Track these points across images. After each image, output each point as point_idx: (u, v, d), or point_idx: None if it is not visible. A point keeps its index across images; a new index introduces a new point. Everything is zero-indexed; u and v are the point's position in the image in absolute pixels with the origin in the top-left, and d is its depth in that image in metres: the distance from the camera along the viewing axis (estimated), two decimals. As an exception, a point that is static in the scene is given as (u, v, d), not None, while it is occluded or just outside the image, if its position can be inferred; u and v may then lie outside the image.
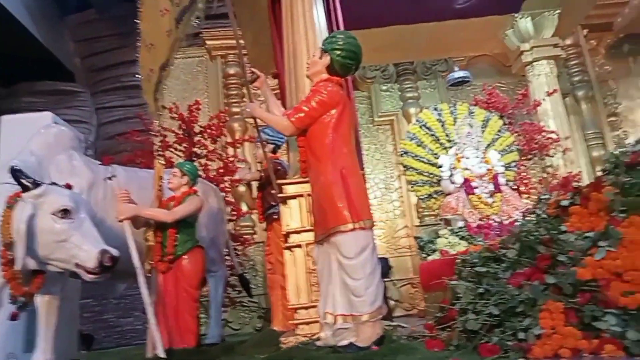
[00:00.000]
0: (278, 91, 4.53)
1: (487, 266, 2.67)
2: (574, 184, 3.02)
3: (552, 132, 5.94)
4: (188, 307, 3.29)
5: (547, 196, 3.26)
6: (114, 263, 2.55)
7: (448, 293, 2.84)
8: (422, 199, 5.42)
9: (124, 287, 6.64)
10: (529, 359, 1.96)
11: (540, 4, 6.15)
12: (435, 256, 4.26)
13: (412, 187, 5.41)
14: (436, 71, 8.39)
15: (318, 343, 2.61)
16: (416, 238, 4.99)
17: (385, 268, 7.82)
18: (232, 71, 8.14)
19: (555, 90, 6.21)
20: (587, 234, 2.45)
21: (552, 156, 5.99)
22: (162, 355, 2.93)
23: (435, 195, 5.30)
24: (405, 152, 5.40)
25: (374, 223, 2.68)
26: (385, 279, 7.54)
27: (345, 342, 2.43)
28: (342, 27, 4.36)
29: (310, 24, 3.88)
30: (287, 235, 3.28)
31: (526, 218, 3.29)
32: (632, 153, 2.73)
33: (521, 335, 2.09)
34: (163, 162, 3.98)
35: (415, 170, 5.32)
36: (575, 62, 8.48)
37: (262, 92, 3.12)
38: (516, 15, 6.39)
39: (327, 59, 2.82)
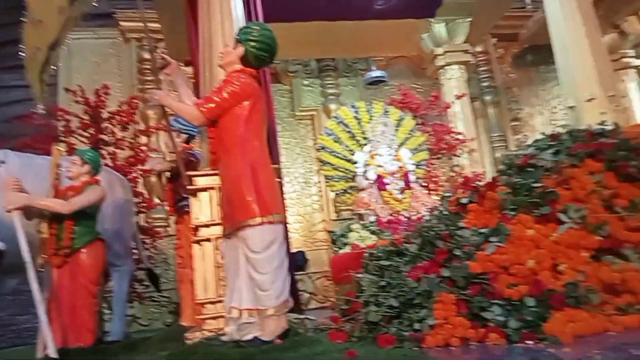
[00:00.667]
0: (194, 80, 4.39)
1: (391, 260, 2.77)
2: (475, 183, 3.22)
3: (460, 133, 6.30)
4: (86, 303, 3.10)
5: (449, 194, 3.44)
6: (0, 257, 2.34)
7: (353, 286, 2.91)
8: (337, 194, 5.51)
9: (17, 282, 6.13)
10: (422, 348, 2.06)
11: (454, 11, 6.48)
12: (347, 250, 4.36)
13: (328, 182, 5.48)
14: (356, 69, 8.56)
15: (223, 338, 2.57)
16: (329, 232, 5.07)
17: (302, 261, 7.90)
18: (147, 55, 7.75)
19: (464, 94, 6.58)
20: (481, 230, 2.62)
21: (459, 156, 6.35)
22: (53, 355, 2.73)
23: (350, 191, 5.40)
24: (323, 148, 5.45)
25: (285, 217, 2.68)
26: (302, 272, 7.64)
27: (249, 337, 2.41)
28: (261, 19, 4.31)
29: (227, 13, 3.79)
30: (196, 228, 3.20)
31: (430, 214, 3.46)
32: (523, 156, 2.95)
33: (417, 325, 2.19)
34: (62, 149, 3.69)
35: (331, 165, 5.39)
36: (485, 68, 9.03)
37: (174, 79, 2.99)
38: (431, 20, 6.68)
39: (240, 50, 2.76)
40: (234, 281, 2.54)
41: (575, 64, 4.02)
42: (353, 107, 5.71)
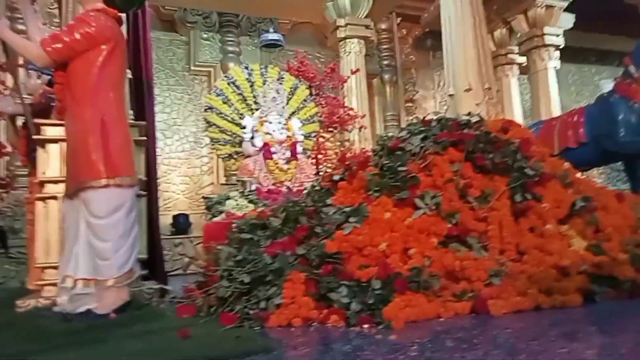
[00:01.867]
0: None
1: (253, 233, 2.68)
2: (349, 161, 3.19)
3: (351, 109, 6.35)
4: None
5: (323, 169, 3.41)
6: None
7: (213, 257, 2.78)
8: (222, 158, 5.29)
9: None
10: (264, 328, 2.00)
11: (359, -17, 6.42)
12: (222, 217, 4.21)
13: (213, 145, 5.23)
14: (260, 29, 8.22)
15: (55, 309, 2.32)
16: (205, 198, 4.87)
17: (185, 224, 7.62)
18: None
19: (358, 70, 6.61)
20: (345, 209, 2.61)
21: (350, 131, 6.41)
22: None
23: (235, 156, 5.21)
24: (210, 108, 5.16)
25: (136, 180, 2.44)
26: (184, 236, 7.36)
27: (82, 309, 2.19)
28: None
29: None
30: (41, 184, 2.84)
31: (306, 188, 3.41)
32: (395, 138, 2.98)
33: (264, 304, 2.13)
34: None
35: (218, 127, 5.14)
36: (386, 47, 9.16)
37: (21, 9, 2.57)
38: (337, -12, 6.57)
39: (104, -14, 2.43)
40: (72, 247, 2.29)
41: (458, 54, 4.16)
42: (247, 68, 5.46)
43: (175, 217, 7.46)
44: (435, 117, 2.95)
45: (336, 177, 3.08)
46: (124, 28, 3.36)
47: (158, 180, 7.73)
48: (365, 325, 1.89)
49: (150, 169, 3.59)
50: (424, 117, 3.01)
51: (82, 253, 2.24)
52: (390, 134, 3.08)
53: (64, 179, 2.74)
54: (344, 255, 2.30)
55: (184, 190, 7.99)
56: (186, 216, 7.59)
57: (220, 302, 2.29)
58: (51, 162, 2.82)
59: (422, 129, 2.91)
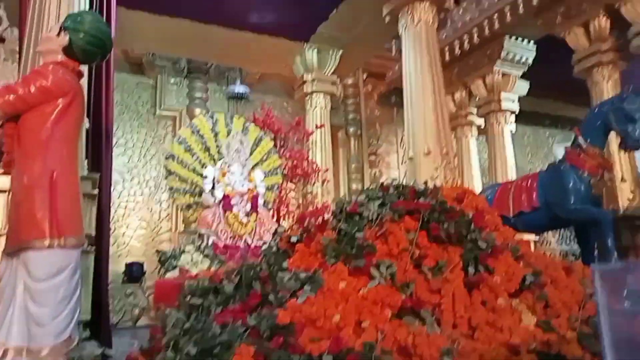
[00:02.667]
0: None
1: (204, 298, 2.59)
2: (307, 221, 3.17)
3: (315, 162, 6.40)
4: None
5: (283, 229, 3.38)
6: None
7: (162, 320, 2.66)
8: (181, 207, 5.19)
9: None
10: (206, 407, 1.90)
11: (326, 41, 6.63)
12: (175, 273, 4.06)
13: (172, 194, 5.13)
14: (228, 77, 8.33)
15: (-18, 378, 2.14)
16: (158, 252, 4.71)
17: (139, 272, 7.33)
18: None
19: (323, 125, 6.73)
20: (300, 275, 2.56)
21: (313, 184, 6.45)
22: None
23: (194, 207, 5.12)
24: (172, 156, 5.10)
25: (84, 240, 2.34)
26: (137, 285, 7.06)
27: (10, 381, 2.03)
28: (113, 4, 3.88)
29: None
30: (-20, 237, 2.69)
31: (262, 249, 3.35)
32: (354, 203, 2.99)
33: (209, 379, 2.02)
34: None
35: (179, 176, 5.07)
36: (352, 101, 9.42)
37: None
38: (305, 44, 6.75)
39: (65, 39, 2.40)
40: (6, 310, 2.14)
41: (418, 118, 4.30)
42: (212, 117, 5.46)
43: (128, 264, 7.19)
44: (393, 183, 2.99)
45: (294, 239, 3.05)
46: (85, 75, 3.33)
47: (113, 224, 7.53)
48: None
49: (102, 221, 3.47)
50: (382, 183, 3.05)
51: (16, 318, 2.10)
52: (348, 199, 3.10)
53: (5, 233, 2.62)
54: (296, 327, 2.23)
55: (140, 235, 7.76)
56: (140, 264, 7.33)
57: (164, 374, 2.17)
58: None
59: (380, 194, 2.94)
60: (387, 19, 5.42)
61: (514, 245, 2.81)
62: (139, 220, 7.73)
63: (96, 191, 2.95)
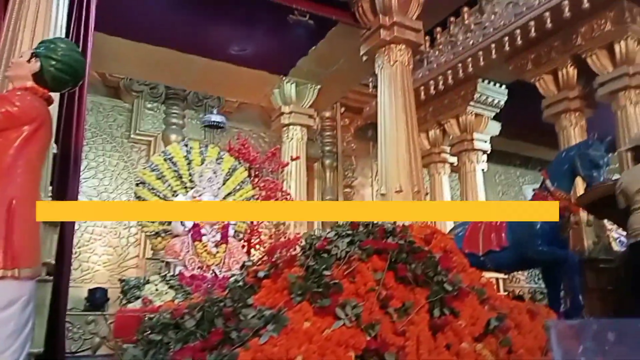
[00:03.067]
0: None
1: (164, 334, 2.51)
2: (276, 256, 3.14)
3: (289, 193, 6.39)
4: None
5: (249, 263, 3.33)
6: None
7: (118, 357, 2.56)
8: (149, 235, 5.07)
9: None
10: None
11: (305, 75, 6.73)
12: (137, 304, 3.93)
13: (140, 221, 5.02)
14: (206, 105, 8.33)
15: None
16: (121, 281, 4.58)
17: (102, 299, 7.09)
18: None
19: (298, 157, 6.75)
20: (264, 312, 2.51)
21: (286, 215, 6.42)
22: None
23: (163, 234, 5.02)
24: (142, 183, 5.02)
25: (39, 271, 2.25)
26: (99, 313, 6.82)
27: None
28: (91, 29, 3.87)
29: (44, 10, 3.29)
30: None
31: (229, 283, 3.28)
32: (323, 239, 2.98)
33: (162, 423, 1.94)
34: None
35: (148, 203, 4.98)
36: (329, 133, 9.51)
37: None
38: (284, 78, 6.83)
39: (36, 66, 2.38)
40: (-49, 344, 2.02)
41: (391, 155, 4.37)
42: (186, 145, 5.42)
43: (91, 290, 6.95)
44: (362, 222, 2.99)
45: (261, 274, 3.00)
46: (57, 98, 3.29)
47: (78, 249, 7.30)
48: None
49: (64, 249, 3.37)
50: (352, 221, 3.06)
51: (-41, 352, 1.99)
52: (317, 234, 3.08)
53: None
54: (257, 367, 2.17)
55: (106, 261, 7.54)
56: (104, 290, 7.10)
57: (115, 415, 2.08)
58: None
59: (349, 232, 2.93)
60: (365, 58, 5.54)
61: (480, 288, 2.83)
62: (106, 246, 7.52)
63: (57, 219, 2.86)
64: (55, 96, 3.23)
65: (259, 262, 3.25)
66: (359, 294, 2.60)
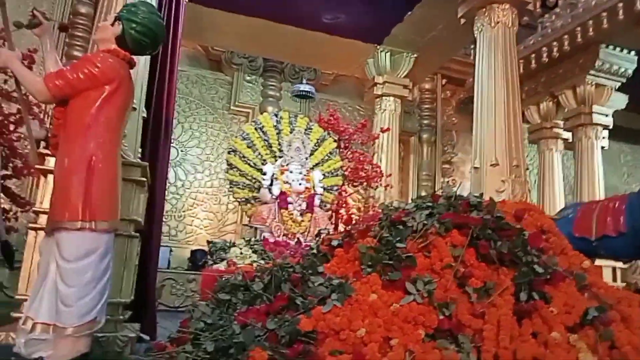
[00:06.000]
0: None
1: (233, 294, 2.53)
2: (351, 226, 3.01)
3: (378, 166, 6.19)
4: None
5: (327, 231, 3.25)
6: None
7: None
8: (239, 201, 5.23)
9: None
10: (210, 409, 1.81)
11: (400, 44, 6.40)
12: (223, 265, 4.07)
13: (232, 187, 5.19)
14: (302, 77, 8.34)
15: (14, 349, 2.22)
16: (209, 242, 4.76)
17: (203, 260, 7.54)
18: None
19: (388, 129, 6.48)
20: (332, 281, 2.42)
21: (375, 189, 6.24)
22: None
23: (252, 201, 5.15)
24: (234, 151, 5.16)
25: (117, 226, 2.35)
26: (200, 272, 7.26)
27: (35, 355, 2.08)
28: (184, -1, 3.96)
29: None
30: (36, 213, 2.83)
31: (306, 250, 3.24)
32: (400, 210, 2.79)
33: (219, 380, 1.94)
34: None
35: (239, 171, 5.11)
36: (428, 106, 9.08)
37: (41, 42, 2.62)
38: (378, 47, 6.57)
39: (118, 29, 2.46)
40: (39, 287, 2.21)
41: (487, 126, 3.98)
42: (276, 115, 5.47)
43: (193, 252, 7.42)
44: (444, 193, 2.75)
45: (334, 243, 2.91)
46: (149, 67, 3.42)
47: (183, 213, 7.79)
48: None
49: (155, 209, 3.55)
50: (434, 192, 2.82)
51: (46, 295, 2.16)
52: (396, 204, 2.90)
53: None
54: (318, 336, 2.09)
55: (207, 226, 7.99)
56: (204, 252, 7.52)
57: (180, 367, 2.13)
58: (47, 192, 2.82)
59: (430, 204, 2.71)
60: (463, 21, 5.08)
61: (580, 274, 2.46)
62: (207, 212, 7.97)
63: (144, 179, 2.99)
64: (147, 65, 3.39)
65: (336, 232, 3.17)
66: (434, 269, 2.39)
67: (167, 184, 7.47)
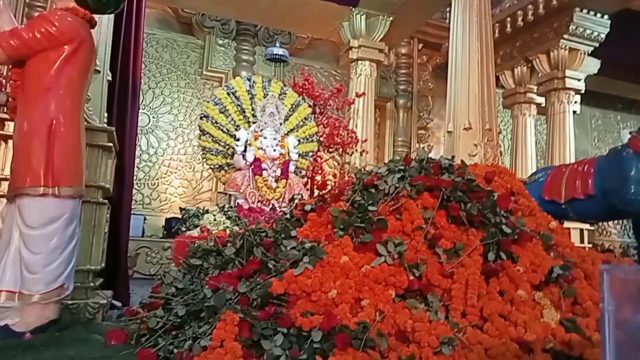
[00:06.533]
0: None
1: (205, 260, 2.51)
2: (324, 190, 3.01)
3: (354, 132, 6.16)
4: None
5: (300, 196, 3.24)
6: None
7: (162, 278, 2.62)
8: (212, 168, 5.16)
9: None
10: (183, 372, 1.82)
11: (376, 6, 6.27)
12: (196, 232, 4.04)
13: (204, 154, 5.10)
14: (277, 40, 8.14)
15: (-20, 318, 2.17)
16: (182, 209, 4.71)
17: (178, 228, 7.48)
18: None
19: (364, 93, 6.43)
20: (305, 245, 2.42)
21: (351, 155, 6.23)
22: None
23: (226, 168, 5.08)
24: (206, 116, 5.05)
25: (82, 191, 2.29)
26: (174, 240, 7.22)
27: (0, 324, 2.04)
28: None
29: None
30: (-2, 180, 2.73)
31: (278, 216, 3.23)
32: (373, 174, 2.79)
33: (189, 344, 1.94)
34: None
35: (212, 137, 5.02)
36: (405, 71, 9.01)
37: (-5, 0, 2.47)
38: (353, 9, 6.43)
39: (76, -15, 2.33)
40: (2, 254, 2.15)
41: (461, 90, 3.96)
42: (249, 80, 5.35)
43: (167, 220, 7.35)
44: (418, 156, 2.75)
45: (308, 207, 2.90)
46: (113, 29, 3.27)
47: (156, 181, 7.68)
48: (287, 386, 1.69)
49: (124, 175, 3.47)
50: (406, 155, 2.82)
51: (10, 262, 2.10)
52: (369, 168, 2.89)
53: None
54: (290, 299, 2.11)
55: (182, 193, 7.90)
56: (179, 220, 7.46)
57: (151, 333, 2.12)
58: (9, 159, 2.71)
59: (402, 167, 2.71)
60: (439, -19, 4.99)
61: (546, 234, 2.52)
62: (181, 179, 7.86)
63: (110, 144, 2.90)
64: (110, 25, 3.24)
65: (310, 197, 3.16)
66: (405, 231, 2.42)
67: (139, 152, 7.34)
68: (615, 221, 9.61)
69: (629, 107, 10.86)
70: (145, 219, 7.34)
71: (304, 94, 5.72)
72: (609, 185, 4.45)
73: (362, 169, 2.89)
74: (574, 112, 7.39)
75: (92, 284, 2.84)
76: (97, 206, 2.86)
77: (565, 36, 6.91)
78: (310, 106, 5.67)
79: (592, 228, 7.15)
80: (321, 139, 5.71)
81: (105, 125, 3.02)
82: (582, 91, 7.32)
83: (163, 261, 7.06)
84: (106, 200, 2.94)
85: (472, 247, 2.32)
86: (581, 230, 6.60)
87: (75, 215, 2.22)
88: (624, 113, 11.03)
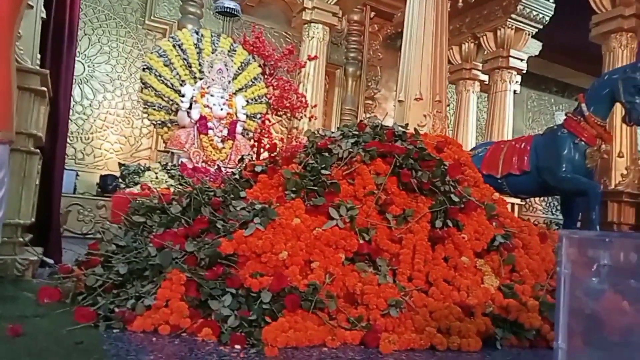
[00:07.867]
0: None
1: (148, 217, 2.39)
2: (275, 153, 2.94)
3: (304, 96, 6.07)
4: None
5: (250, 156, 3.15)
6: None
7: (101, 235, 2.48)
8: (154, 123, 4.90)
9: None
10: (125, 331, 1.74)
11: (332, -33, 6.11)
12: (137, 189, 3.85)
13: (146, 108, 4.83)
14: (227, -5, 7.76)
15: None
16: (121, 165, 4.49)
17: (113, 186, 7.13)
18: None
19: (316, 57, 6.32)
20: (255, 206, 2.36)
21: (299, 119, 6.15)
22: None
23: (169, 125, 4.85)
24: (149, 68, 4.75)
25: (10, 136, 2.08)
26: (109, 198, 6.88)
27: None
28: None
29: None
30: None
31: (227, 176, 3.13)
32: (327, 138, 2.75)
33: (132, 303, 1.85)
34: None
35: (155, 91, 4.75)
36: (356, 39, 8.93)
37: None
38: (309, -32, 6.24)
39: None
40: None
41: (414, 60, 3.98)
42: (197, 33, 5.08)
43: (102, 177, 6.98)
44: (370, 123, 2.73)
45: (258, 168, 2.84)
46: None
47: (91, 135, 7.24)
48: (237, 346, 1.66)
49: (58, 125, 3.22)
50: (360, 121, 2.80)
51: None
52: (322, 132, 2.85)
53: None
54: (239, 259, 2.06)
55: (118, 150, 7.50)
56: (115, 177, 7.11)
57: (89, 291, 2.01)
58: None
59: (355, 132, 2.69)
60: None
61: (490, 204, 2.62)
62: (118, 135, 7.45)
63: (43, 89, 2.66)
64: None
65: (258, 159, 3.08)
66: (357, 196, 2.42)
67: (73, 102, 6.85)
68: (541, 198, 10.24)
69: (563, 90, 11.44)
70: (77, 174, 6.93)
71: (254, 53, 5.53)
72: (543, 162, 4.69)
73: (316, 132, 2.84)
74: (515, 91, 7.69)
75: (21, 239, 2.64)
76: (27, 155, 2.63)
77: (513, 16, 7.10)
78: (260, 66, 5.49)
79: (522, 203, 7.58)
80: (270, 101, 5.58)
81: (39, 67, 2.75)
82: (524, 71, 7.60)
83: (97, 220, 6.74)
84: (38, 150, 2.71)
85: (421, 214, 2.36)
86: (512, 205, 6.97)
87: (4, 163, 2.01)
88: (558, 96, 11.62)
